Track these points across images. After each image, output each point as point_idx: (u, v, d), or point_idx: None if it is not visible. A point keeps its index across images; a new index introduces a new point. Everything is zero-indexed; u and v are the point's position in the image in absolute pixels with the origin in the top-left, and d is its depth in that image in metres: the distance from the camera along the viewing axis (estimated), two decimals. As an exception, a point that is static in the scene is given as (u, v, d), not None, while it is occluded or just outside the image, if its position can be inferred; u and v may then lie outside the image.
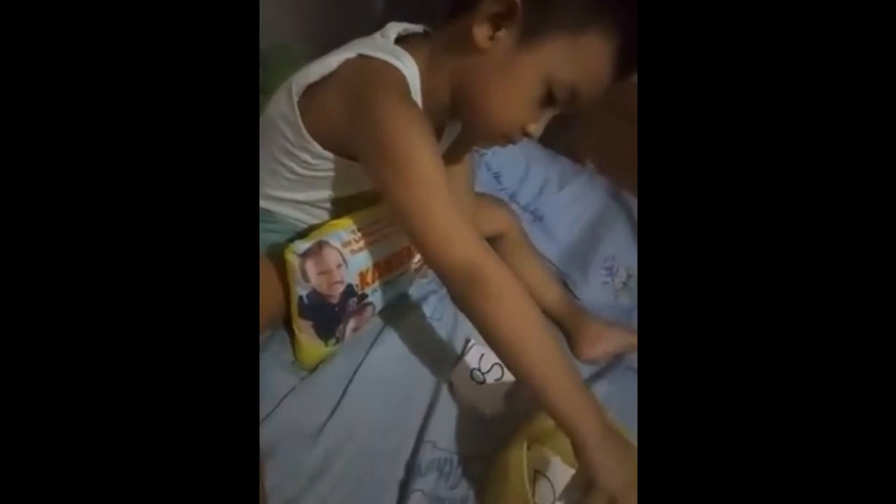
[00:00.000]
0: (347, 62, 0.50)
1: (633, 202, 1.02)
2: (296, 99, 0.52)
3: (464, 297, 0.47)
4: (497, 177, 1.00)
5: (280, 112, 0.54)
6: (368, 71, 0.50)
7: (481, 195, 0.89)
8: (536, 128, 0.53)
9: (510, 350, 0.46)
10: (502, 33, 0.48)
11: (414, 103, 0.50)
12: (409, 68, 0.51)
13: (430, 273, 0.77)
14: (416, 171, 0.46)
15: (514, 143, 0.56)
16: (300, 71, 0.53)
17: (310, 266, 0.56)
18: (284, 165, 0.57)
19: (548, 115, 0.53)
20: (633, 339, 0.78)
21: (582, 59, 0.47)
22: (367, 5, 1.19)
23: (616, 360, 0.79)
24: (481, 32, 0.49)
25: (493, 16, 0.48)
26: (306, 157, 0.54)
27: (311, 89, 0.52)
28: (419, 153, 0.46)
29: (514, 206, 0.92)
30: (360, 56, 0.50)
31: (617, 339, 0.78)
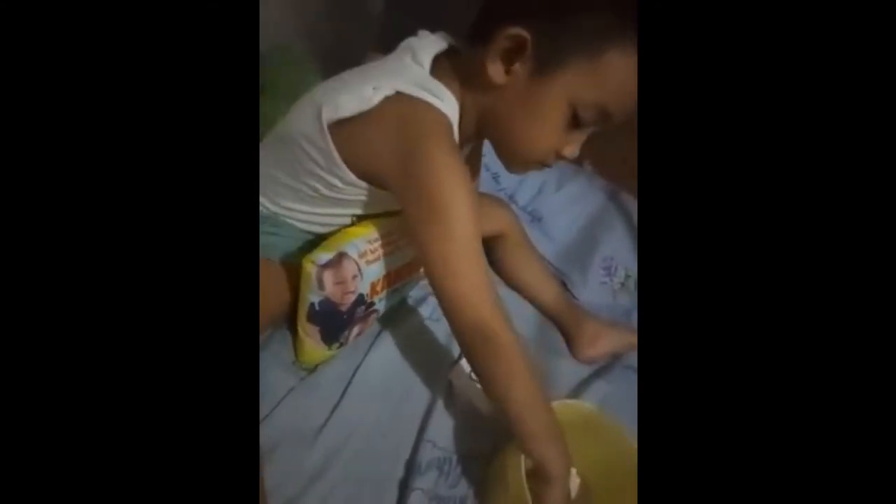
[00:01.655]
0: (387, 101, 0.49)
1: (631, 203, 1.02)
2: (326, 126, 0.51)
3: (470, 350, 0.51)
4: (496, 177, 1.00)
5: (305, 134, 0.53)
6: (415, 118, 0.49)
7: (481, 195, 0.89)
8: (572, 150, 0.52)
9: (504, 401, 0.51)
10: (517, 67, 0.48)
11: (458, 155, 0.50)
12: (449, 106, 0.51)
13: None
14: (456, 229, 0.47)
15: (549, 166, 0.56)
16: (325, 92, 0.52)
17: (327, 276, 0.56)
18: (308, 185, 0.56)
19: (582, 135, 0.52)
20: (633, 339, 0.78)
21: (606, 79, 0.47)
22: (366, 5, 1.19)
23: (615, 359, 0.79)
24: (496, 70, 0.49)
25: (505, 52, 0.48)
26: (335, 181, 0.54)
27: (345, 121, 0.50)
28: (461, 211, 0.47)
29: (513, 207, 0.92)
30: (400, 94, 0.49)
31: (616, 338, 0.79)
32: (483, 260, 0.50)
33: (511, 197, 0.99)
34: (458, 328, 0.51)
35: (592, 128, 0.52)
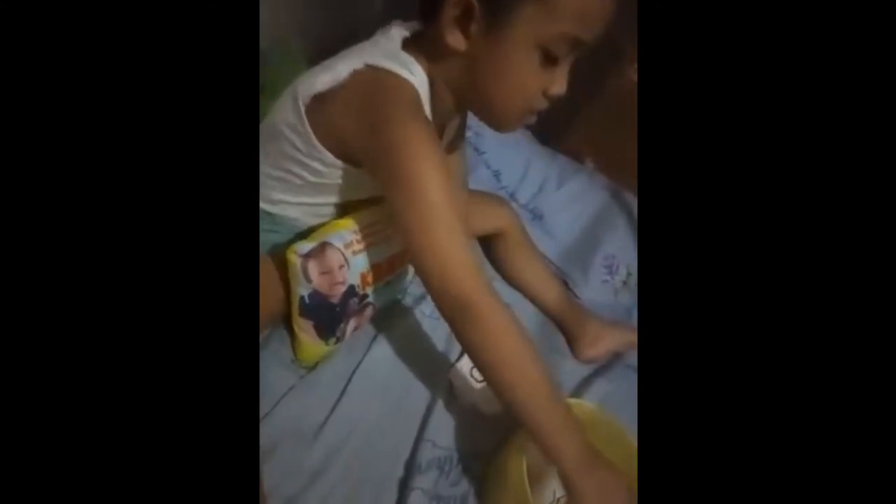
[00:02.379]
0: (356, 73, 0.49)
1: (632, 201, 1.02)
2: (303, 108, 0.51)
3: (455, 324, 0.49)
4: (497, 175, 1.00)
5: (286, 121, 0.53)
6: (381, 86, 0.49)
7: (481, 193, 0.88)
8: (559, 86, 0.51)
9: (499, 380, 0.48)
10: (473, 28, 0.48)
11: (425, 121, 0.50)
12: (418, 78, 0.51)
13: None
14: (426, 197, 0.47)
15: (541, 110, 0.54)
16: (303, 77, 0.53)
17: (312, 266, 0.56)
18: (293, 173, 0.56)
19: (563, 69, 0.51)
20: (634, 338, 0.78)
21: (560, 8, 0.45)
22: (366, 3, 1.19)
23: (615, 358, 0.79)
24: (455, 38, 0.48)
25: (457, 19, 0.47)
26: (317, 165, 0.54)
27: (319, 98, 0.51)
28: (430, 179, 0.47)
29: (513, 205, 0.92)
30: (369, 66, 0.49)
31: (617, 338, 0.78)
32: (462, 229, 0.48)
33: (512, 195, 0.99)
34: (441, 305, 0.48)
35: (570, 59, 0.50)
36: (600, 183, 1.04)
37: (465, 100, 0.54)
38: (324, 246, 0.57)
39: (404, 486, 0.55)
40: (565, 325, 0.81)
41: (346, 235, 0.59)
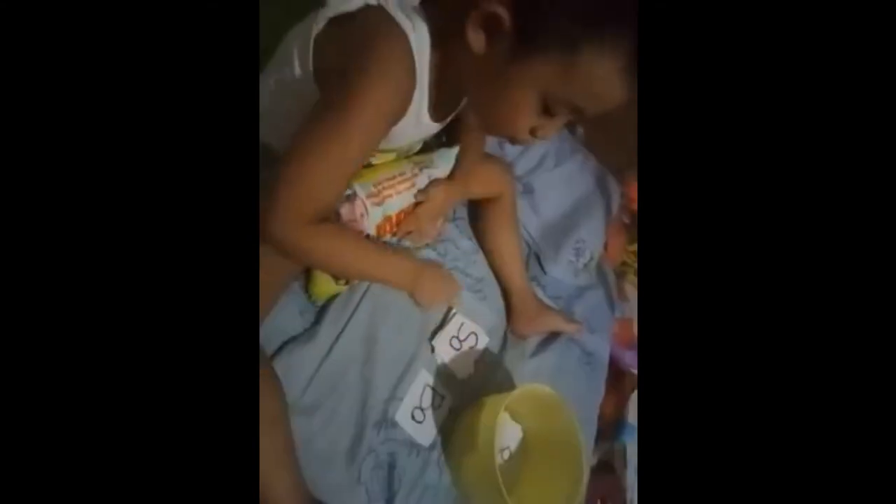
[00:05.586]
0: (367, 9, 0.48)
1: (614, 189, 1.08)
2: (315, 30, 0.50)
3: (291, 256, 0.52)
4: (500, 143, 1.01)
5: (297, 43, 0.53)
6: (377, 33, 0.48)
7: (492, 157, 0.88)
8: (544, 134, 0.52)
9: (340, 273, 0.63)
10: (496, 41, 0.46)
11: (395, 83, 0.49)
12: (419, 38, 0.49)
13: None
14: (348, 125, 0.47)
15: (522, 143, 0.55)
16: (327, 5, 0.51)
17: (344, 212, 0.60)
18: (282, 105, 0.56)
19: (557, 121, 0.51)
20: (566, 327, 0.87)
21: (579, 77, 0.45)
22: None
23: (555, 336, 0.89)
24: (477, 39, 0.47)
25: (484, 23, 0.46)
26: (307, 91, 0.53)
27: (331, 23, 0.50)
28: (358, 121, 0.47)
29: (510, 175, 0.95)
30: (380, 8, 0.48)
31: (551, 323, 0.87)
32: (335, 187, 0.50)
33: (510, 165, 1.01)
34: (264, 237, 0.48)
35: (566, 118, 0.51)
36: (591, 168, 1.09)
37: (464, 88, 0.54)
38: (353, 195, 0.61)
39: (379, 436, 0.64)
40: (512, 300, 0.87)
41: (369, 187, 0.62)
